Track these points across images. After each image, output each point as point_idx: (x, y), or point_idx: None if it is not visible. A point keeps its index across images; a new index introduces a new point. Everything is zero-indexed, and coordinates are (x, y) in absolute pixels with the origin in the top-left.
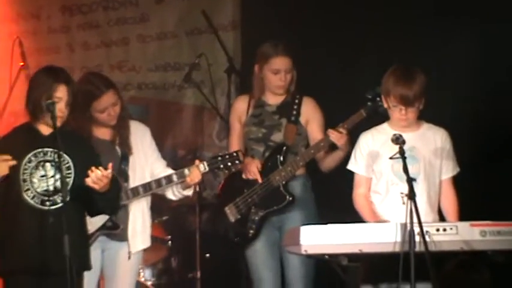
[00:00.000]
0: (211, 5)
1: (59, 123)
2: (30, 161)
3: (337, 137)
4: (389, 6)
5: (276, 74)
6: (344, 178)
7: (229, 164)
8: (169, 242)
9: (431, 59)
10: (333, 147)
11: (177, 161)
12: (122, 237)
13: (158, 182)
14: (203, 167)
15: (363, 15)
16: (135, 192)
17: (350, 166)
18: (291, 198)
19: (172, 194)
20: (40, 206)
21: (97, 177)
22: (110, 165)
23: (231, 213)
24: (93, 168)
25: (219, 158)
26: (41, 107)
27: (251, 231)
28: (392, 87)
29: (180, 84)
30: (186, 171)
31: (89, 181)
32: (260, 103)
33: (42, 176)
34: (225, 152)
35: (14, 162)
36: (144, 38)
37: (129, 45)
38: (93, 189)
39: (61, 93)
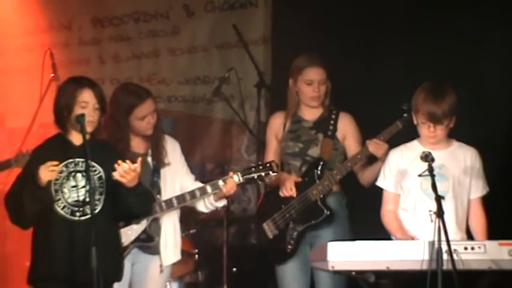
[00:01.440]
0: (242, 20)
1: (90, 129)
2: (61, 172)
3: (376, 147)
4: (425, 19)
5: (310, 84)
6: (378, 196)
7: (263, 174)
8: (197, 255)
9: (465, 75)
10: (370, 160)
11: (205, 174)
12: (155, 250)
13: (192, 193)
14: (237, 177)
15: (390, 28)
16: (169, 204)
17: (379, 183)
18: (328, 212)
19: (204, 206)
20: (70, 217)
21: (124, 170)
22: (139, 159)
23: (269, 229)
24: (119, 161)
25: (253, 169)
26: (68, 115)
27: (289, 247)
28: (421, 104)
29: (210, 98)
30: (221, 182)
31: (116, 175)
32: (297, 119)
33: (73, 187)
34: (259, 163)
35: (58, 168)
36: (175, 51)
37: (160, 57)
38: (122, 185)
39: (86, 97)
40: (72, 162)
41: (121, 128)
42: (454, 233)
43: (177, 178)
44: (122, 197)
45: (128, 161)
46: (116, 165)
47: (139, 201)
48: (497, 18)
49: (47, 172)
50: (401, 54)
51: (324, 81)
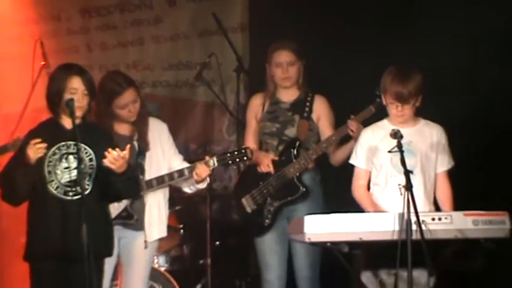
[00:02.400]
0: (221, 8)
1: (79, 113)
2: (54, 154)
3: (355, 125)
4: (391, 7)
5: (279, 66)
6: (350, 174)
7: (237, 160)
8: (182, 230)
9: (430, 60)
10: (341, 142)
11: (189, 154)
12: (138, 227)
13: (170, 175)
14: (213, 162)
15: (365, 17)
16: (149, 185)
17: (351, 160)
18: (304, 189)
19: (188, 187)
20: (63, 196)
21: (113, 157)
22: (128, 146)
23: (248, 204)
24: (109, 149)
25: (228, 154)
26: (59, 101)
27: (267, 221)
28: (389, 85)
29: (192, 82)
30: (198, 165)
31: (106, 162)
32: (274, 100)
33: (66, 168)
34: (234, 149)
35: (44, 145)
36: (158, 38)
37: (144, 45)
38: (111, 171)
39: (75, 83)
40: (64, 145)
41: (104, 114)
42: (423, 204)
43: (164, 159)
44: (110, 181)
45: (117, 149)
46: (106, 153)
47: (127, 185)
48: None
49: (35, 150)
50: (375, 40)
51: (293, 63)
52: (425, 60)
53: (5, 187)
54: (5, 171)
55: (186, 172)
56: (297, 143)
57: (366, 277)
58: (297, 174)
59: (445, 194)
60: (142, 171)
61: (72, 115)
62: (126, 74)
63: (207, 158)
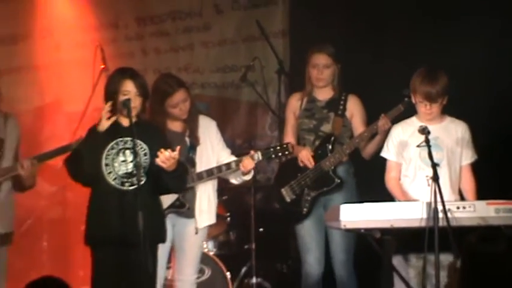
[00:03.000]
0: (264, 16)
1: (133, 112)
2: (112, 148)
3: (386, 122)
4: (418, 15)
5: (315, 68)
6: (381, 167)
7: (279, 154)
8: (228, 218)
9: (457, 61)
10: (371, 137)
11: (235, 149)
12: (189, 214)
13: (219, 168)
14: (257, 156)
15: (396, 24)
16: (200, 177)
17: (383, 154)
18: (339, 181)
19: (235, 179)
20: (120, 187)
21: (165, 157)
22: (178, 148)
23: (287, 194)
24: (162, 149)
25: (271, 149)
26: (114, 101)
27: (305, 209)
28: (419, 85)
29: (237, 84)
30: (244, 159)
31: (158, 160)
32: (311, 99)
33: (123, 161)
34: (277, 144)
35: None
36: (207, 44)
37: (194, 50)
38: (162, 168)
39: (128, 86)
40: (121, 140)
41: (158, 112)
42: (448, 194)
43: (213, 153)
44: (161, 177)
45: (169, 150)
46: (158, 153)
47: (175, 182)
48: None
49: (104, 121)
50: (404, 45)
51: (328, 66)
52: (449, 62)
53: (72, 166)
54: (72, 153)
55: (233, 165)
56: (332, 138)
57: (397, 261)
58: (332, 167)
59: (468, 185)
60: (194, 165)
61: (128, 114)
62: (177, 76)
63: (252, 152)
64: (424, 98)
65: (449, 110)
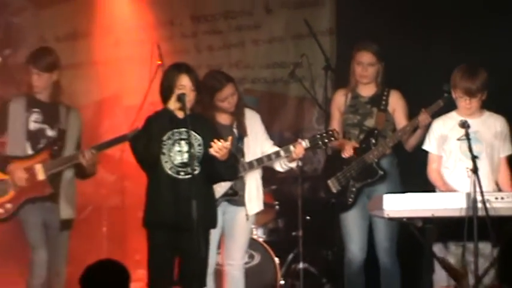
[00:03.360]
0: (312, 15)
1: (188, 105)
2: (168, 139)
3: (426, 117)
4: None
5: (359, 65)
6: (423, 159)
7: (326, 140)
8: (277, 206)
9: (493, 59)
10: (413, 131)
11: (283, 141)
12: (240, 202)
13: (268, 156)
14: (305, 143)
15: (438, 23)
16: (251, 165)
17: (425, 146)
18: (382, 173)
19: (280, 166)
20: (175, 175)
21: (219, 147)
22: (230, 138)
23: (333, 185)
24: (215, 140)
25: (318, 136)
26: (170, 95)
27: (350, 200)
28: (459, 81)
29: (286, 79)
30: (291, 147)
31: (212, 150)
32: (355, 95)
33: (178, 151)
34: (323, 131)
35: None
36: (257, 41)
37: (245, 47)
38: (216, 158)
39: (184, 81)
40: (177, 131)
41: (207, 106)
42: (487, 185)
43: (257, 143)
44: (214, 166)
45: (221, 140)
46: (212, 143)
47: (229, 171)
48: None
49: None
50: (447, 43)
51: (373, 64)
52: (488, 60)
53: (137, 148)
54: (135, 137)
55: (282, 153)
56: (375, 132)
57: (437, 248)
58: (376, 159)
59: (506, 176)
60: (243, 154)
61: (183, 107)
62: (224, 72)
63: (299, 140)
64: (464, 93)
65: (489, 105)
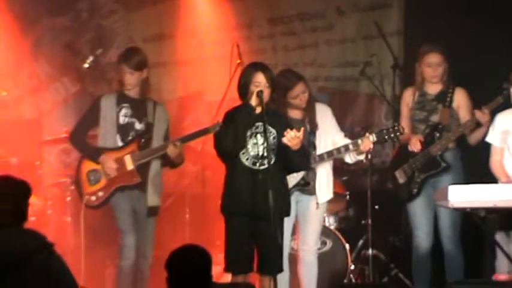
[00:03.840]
0: (381, 17)
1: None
2: (247, 132)
3: (481, 115)
4: None
5: (430, 66)
6: (484, 151)
7: (392, 135)
8: (348, 196)
9: None
10: (477, 125)
11: (354, 135)
12: (311, 191)
13: (338, 149)
14: (372, 137)
15: (500, 25)
16: (321, 158)
17: (488, 139)
18: (445, 165)
19: (349, 158)
20: (252, 166)
21: (291, 137)
22: (302, 129)
23: (400, 176)
24: (288, 130)
25: (384, 131)
26: (247, 91)
27: (415, 190)
28: None
29: (357, 77)
30: (359, 141)
31: (284, 140)
32: (422, 92)
33: (255, 144)
34: (389, 126)
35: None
36: (330, 42)
37: (319, 47)
38: (289, 147)
39: (259, 78)
40: (254, 126)
41: (280, 103)
42: None
43: (329, 135)
44: (288, 156)
45: (294, 130)
46: (285, 133)
47: (301, 160)
48: None
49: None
50: (506, 43)
51: (441, 64)
52: None
53: (219, 143)
54: (219, 134)
55: (351, 146)
56: (440, 127)
57: (499, 237)
58: (439, 152)
59: None
60: (314, 147)
61: (261, 103)
62: (295, 71)
63: (367, 134)
64: None
65: None
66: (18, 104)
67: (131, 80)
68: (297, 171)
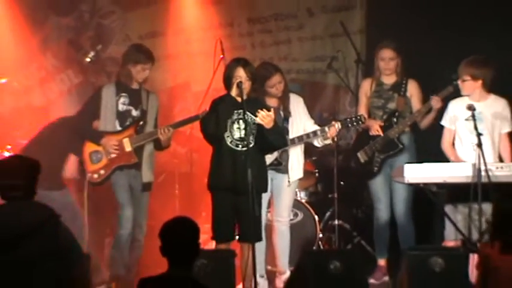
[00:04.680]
0: (346, 17)
1: (244, 92)
2: (230, 118)
3: (436, 102)
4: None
5: (383, 60)
6: (435, 135)
7: (354, 123)
8: (317, 174)
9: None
10: (427, 112)
11: (322, 120)
12: (284, 171)
13: (308, 135)
14: (338, 125)
15: (451, 21)
16: (293, 142)
17: (442, 122)
18: (402, 146)
19: (317, 142)
20: (235, 148)
21: (262, 116)
22: (272, 109)
23: (362, 156)
24: (259, 110)
25: (348, 120)
26: (230, 83)
27: (375, 168)
28: (463, 69)
29: (325, 70)
30: (326, 128)
31: (257, 119)
32: (379, 83)
33: (237, 128)
34: (352, 115)
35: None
36: (302, 39)
37: (291, 44)
38: (263, 126)
39: (240, 72)
40: (236, 112)
41: (259, 91)
42: (490, 157)
43: (301, 122)
44: (265, 136)
45: (265, 110)
46: (256, 113)
47: (276, 138)
48: None
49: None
50: (455, 39)
51: (394, 58)
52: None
53: (205, 129)
54: (204, 119)
55: (319, 133)
56: (396, 114)
57: (448, 208)
58: (396, 135)
59: (506, 150)
60: (287, 132)
61: (241, 92)
62: (273, 63)
63: (333, 122)
64: (471, 78)
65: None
66: (29, 93)
67: (142, 74)
68: (275, 148)
